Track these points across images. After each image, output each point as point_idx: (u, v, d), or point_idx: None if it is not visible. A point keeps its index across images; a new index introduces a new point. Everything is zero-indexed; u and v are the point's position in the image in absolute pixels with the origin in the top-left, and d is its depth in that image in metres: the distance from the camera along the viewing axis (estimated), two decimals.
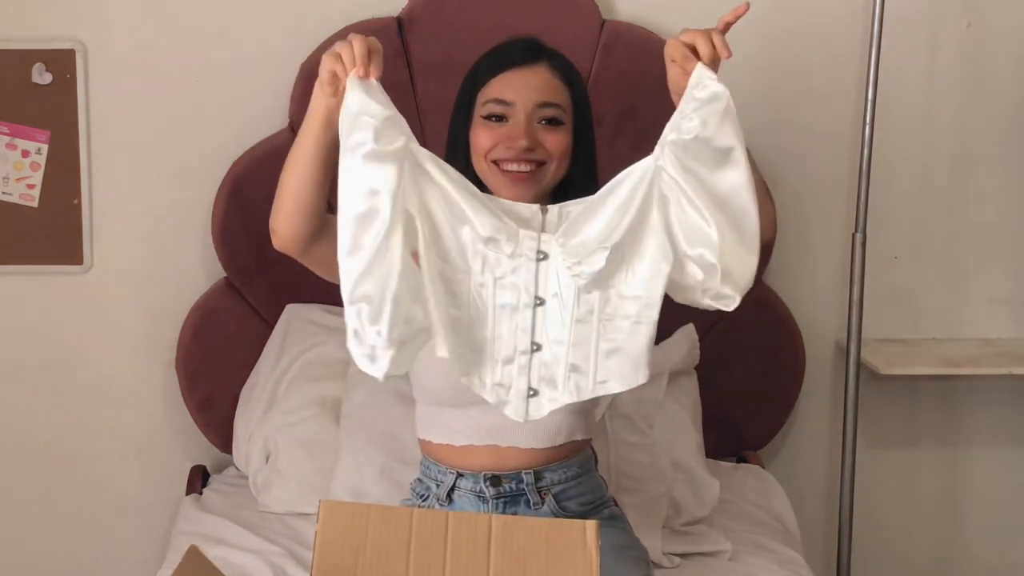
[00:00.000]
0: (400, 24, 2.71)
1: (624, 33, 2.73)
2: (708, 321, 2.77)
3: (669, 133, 1.80)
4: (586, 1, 2.72)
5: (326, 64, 1.86)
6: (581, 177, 2.11)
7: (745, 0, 1.90)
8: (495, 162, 2.07)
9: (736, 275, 1.79)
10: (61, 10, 2.71)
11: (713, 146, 1.78)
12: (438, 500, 2.12)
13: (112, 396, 2.86)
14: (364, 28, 2.70)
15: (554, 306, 1.84)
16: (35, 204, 2.75)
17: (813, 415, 2.97)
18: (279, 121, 2.73)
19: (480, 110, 2.09)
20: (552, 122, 2.07)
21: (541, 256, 1.84)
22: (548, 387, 1.85)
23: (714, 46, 1.85)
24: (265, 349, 2.74)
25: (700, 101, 1.79)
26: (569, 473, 2.11)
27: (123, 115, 2.75)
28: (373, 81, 1.83)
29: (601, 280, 1.81)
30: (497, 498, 2.09)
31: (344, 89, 1.83)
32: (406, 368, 1.81)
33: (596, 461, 2.22)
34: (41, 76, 2.71)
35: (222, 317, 2.76)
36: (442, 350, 1.79)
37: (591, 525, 1.68)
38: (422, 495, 2.16)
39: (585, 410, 2.11)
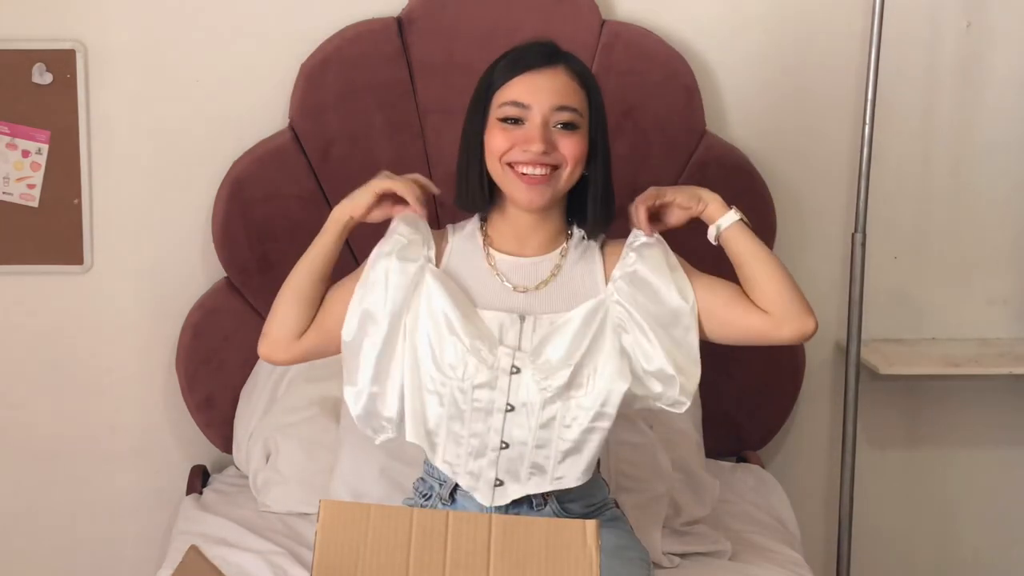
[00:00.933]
0: (400, 24, 2.71)
1: (624, 33, 2.73)
2: None
3: (616, 271, 2.10)
4: (586, 1, 2.72)
5: (378, 188, 2.12)
6: (596, 181, 2.10)
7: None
8: (510, 164, 2.05)
9: (686, 385, 2.08)
10: (61, 10, 2.71)
11: (656, 276, 2.09)
12: (440, 500, 2.12)
13: (112, 396, 2.86)
14: (364, 28, 2.70)
15: (522, 412, 2.05)
16: (35, 204, 2.75)
17: (813, 415, 2.97)
18: (279, 121, 2.73)
19: (496, 112, 2.07)
20: (568, 126, 2.05)
21: (515, 370, 2.04)
22: (512, 479, 2.07)
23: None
24: None
25: (638, 245, 2.12)
26: None
27: (123, 115, 2.75)
28: (423, 221, 2.13)
29: (563, 393, 2.04)
30: None
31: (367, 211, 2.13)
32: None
33: (599, 464, 2.22)
34: (41, 76, 2.71)
35: (222, 317, 2.76)
36: (412, 436, 2.08)
37: (591, 525, 1.68)
38: (425, 494, 2.16)
39: None
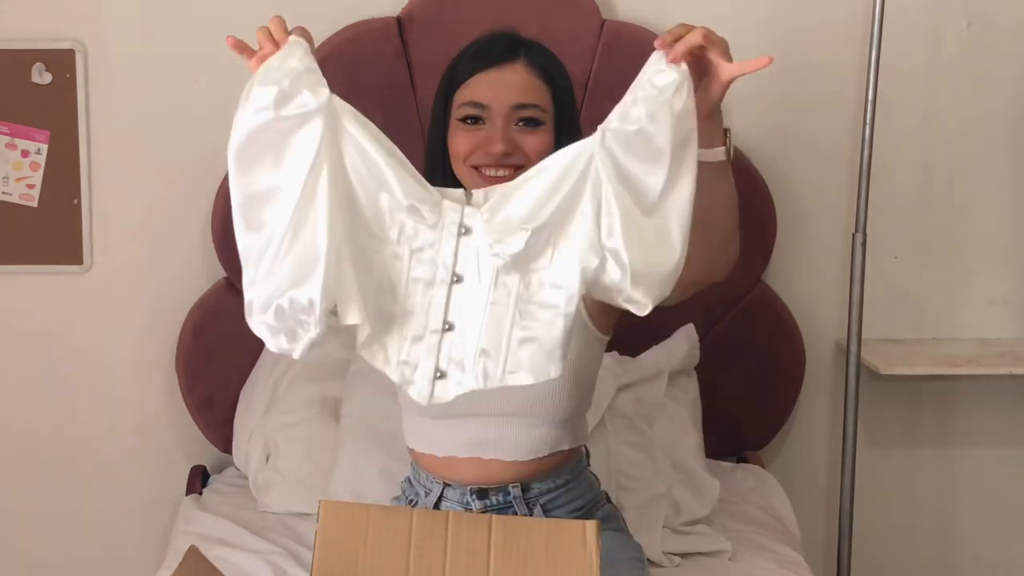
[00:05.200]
0: (400, 24, 2.71)
1: (624, 33, 2.73)
2: (708, 321, 2.77)
3: (615, 114, 1.68)
4: (586, 1, 2.72)
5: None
6: None
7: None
8: (475, 167, 2.02)
9: (648, 282, 1.67)
10: (61, 10, 2.71)
11: (655, 144, 1.66)
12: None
13: (112, 396, 2.86)
14: (364, 28, 2.70)
15: (471, 285, 1.71)
16: (35, 204, 2.75)
17: (813, 415, 2.97)
18: None
19: (456, 112, 2.03)
20: (530, 123, 2.00)
21: (463, 231, 1.71)
22: (456, 369, 1.71)
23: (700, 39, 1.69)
24: (265, 349, 2.73)
25: (656, 89, 1.67)
26: (558, 481, 2.07)
27: (123, 115, 2.75)
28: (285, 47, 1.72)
29: (521, 263, 1.69)
30: (484, 511, 2.03)
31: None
32: (328, 352, 1.72)
33: (588, 456, 2.19)
34: (41, 76, 2.71)
35: (222, 317, 2.76)
36: (353, 316, 1.67)
37: (591, 525, 1.68)
38: (411, 500, 2.13)
39: (572, 422, 2.07)
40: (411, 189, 1.70)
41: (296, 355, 1.70)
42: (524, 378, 1.70)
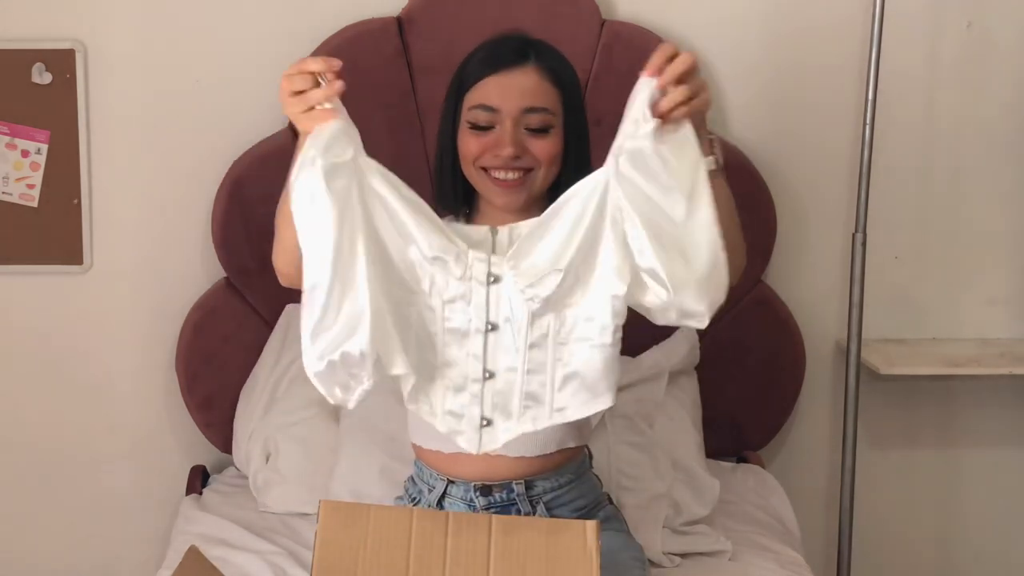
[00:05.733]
0: (400, 24, 2.71)
1: (624, 33, 2.73)
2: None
3: (624, 141, 1.72)
4: (586, 1, 2.72)
5: (292, 86, 1.81)
6: (573, 179, 2.00)
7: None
8: (484, 168, 2.02)
9: (695, 289, 1.71)
10: (61, 10, 2.71)
11: (662, 154, 1.71)
12: (429, 506, 2.09)
13: (112, 396, 2.86)
14: (364, 28, 2.70)
15: (507, 331, 1.78)
16: (35, 204, 2.75)
17: (813, 415, 2.97)
18: (279, 121, 2.72)
19: (466, 115, 2.03)
20: (540, 127, 2.01)
21: (492, 279, 1.78)
22: (502, 416, 1.79)
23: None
24: (265, 349, 2.74)
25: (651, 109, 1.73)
26: (561, 480, 2.08)
27: (123, 115, 2.75)
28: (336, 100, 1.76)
29: (554, 303, 1.75)
30: (487, 508, 2.05)
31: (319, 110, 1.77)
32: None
33: (591, 458, 2.20)
34: (41, 76, 2.71)
35: (222, 317, 2.76)
36: (398, 367, 1.74)
37: (591, 525, 1.68)
38: (414, 498, 2.14)
39: (578, 420, 2.03)
40: (436, 241, 1.76)
41: (351, 405, 1.76)
42: (572, 414, 1.79)
